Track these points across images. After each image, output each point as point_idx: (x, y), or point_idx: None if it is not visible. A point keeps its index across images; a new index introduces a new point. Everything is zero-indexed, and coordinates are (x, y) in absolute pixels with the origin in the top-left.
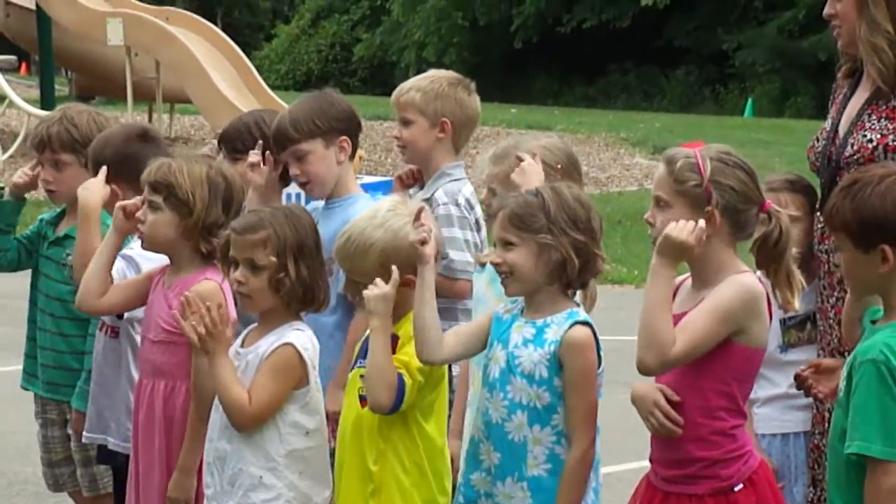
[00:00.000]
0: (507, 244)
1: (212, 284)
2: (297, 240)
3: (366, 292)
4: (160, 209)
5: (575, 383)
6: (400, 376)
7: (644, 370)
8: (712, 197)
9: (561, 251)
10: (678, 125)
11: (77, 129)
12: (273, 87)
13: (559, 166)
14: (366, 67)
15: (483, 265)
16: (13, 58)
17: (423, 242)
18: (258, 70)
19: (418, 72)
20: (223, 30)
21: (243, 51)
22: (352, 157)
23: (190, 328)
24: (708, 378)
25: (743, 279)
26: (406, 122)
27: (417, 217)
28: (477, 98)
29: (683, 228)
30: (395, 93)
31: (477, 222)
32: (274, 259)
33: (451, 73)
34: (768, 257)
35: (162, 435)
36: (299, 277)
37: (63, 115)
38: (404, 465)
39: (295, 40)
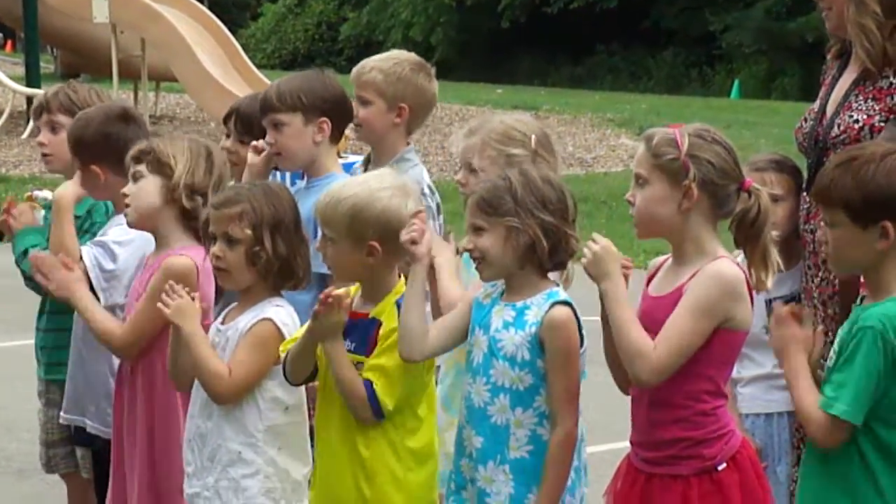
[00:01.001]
0: (477, 230)
1: (185, 260)
2: (274, 215)
3: (321, 320)
4: (143, 176)
5: (557, 364)
6: (368, 384)
7: (641, 385)
8: (689, 170)
9: (528, 233)
10: (664, 106)
11: (76, 94)
12: (259, 66)
13: (532, 137)
14: (352, 46)
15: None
16: None
17: (414, 242)
18: (244, 49)
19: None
20: (210, 8)
21: (230, 29)
22: (337, 140)
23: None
24: (692, 363)
25: (719, 267)
26: (364, 102)
27: (415, 217)
28: (435, 83)
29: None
30: (355, 69)
31: (438, 207)
32: (249, 232)
33: (412, 56)
34: (746, 235)
35: (143, 416)
36: (276, 252)
37: (66, 84)
38: (397, 451)
39: (281, 19)
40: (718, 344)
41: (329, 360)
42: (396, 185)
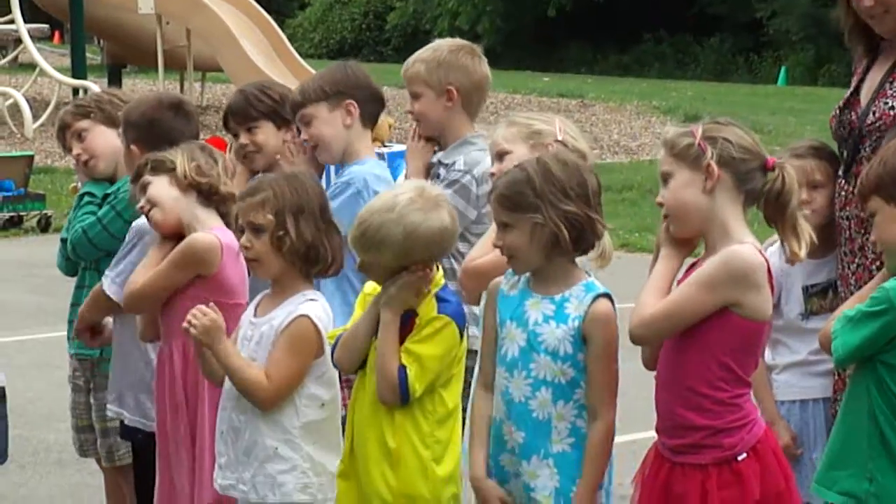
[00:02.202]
0: (504, 226)
1: (209, 236)
2: (297, 201)
3: (386, 287)
4: (150, 182)
5: (599, 357)
6: (402, 370)
7: (631, 337)
8: (706, 150)
9: (551, 226)
10: (710, 93)
11: (83, 99)
12: (306, 56)
13: (557, 120)
14: (399, 36)
15: None
16: (45, 26)
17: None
18: (292, 38)
19: None
20: None
21: (277, 19)
22: (370, 124)
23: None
24: (706, 348)
25: (737, 249)
26: (416, 96)
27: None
28: (484, 62)
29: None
30: (403, 68)
31: (479, 197)
32: (272, 218)
33: (455, 41)
34: (774, 209)
35: (183, 402)
36: (300, 236)
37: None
38: (424, 439)
39: (328, 9)
40: (730, 329)
41: (381, 332)
42: (429, 204)
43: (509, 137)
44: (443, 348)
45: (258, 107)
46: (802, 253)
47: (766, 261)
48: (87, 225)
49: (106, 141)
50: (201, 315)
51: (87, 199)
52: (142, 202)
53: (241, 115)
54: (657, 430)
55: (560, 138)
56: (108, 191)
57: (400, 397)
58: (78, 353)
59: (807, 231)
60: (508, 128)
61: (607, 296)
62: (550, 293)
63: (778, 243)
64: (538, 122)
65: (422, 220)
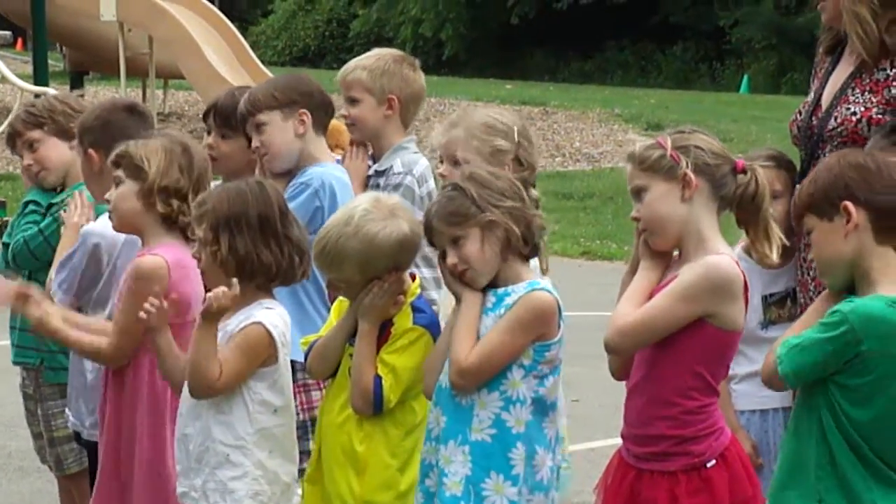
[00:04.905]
0: (455, 241)
1: (153, 259)
2: (232, 213)
3: (361, 298)
4: (122, 182)
5: (501, 324)
6: (378, 380)
7: (606, 346)
8: (680, 160)
9: (500, 224)
10: (673, 101)
11: (34, 107)
12: (269, 63)
13: (515, 128)
14: (363, 43)
15: None
16: (8, 33)
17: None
18: (255, 46)
19: (415, 48)
20: (220, 5)
21: (240, 27)
22: (322, 131)
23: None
24: (680, 357)
25: (716, 260)
26: (353, 101)
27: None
28: (422, 74)
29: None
30: (340, 72)
31: (430, 195)
32: (210, 233)
33: (394, 51)
34: (747, 212)
35: (132, 416)
36: (231, 249)
37: (24, 104)
38: (393, 448)
39: (292, 16)
40: (705, 339)
41: (358, 342)
42: (385, 214)
43: (468, 149)
44: (417, 359)
45: (241, 118)
46: (774, 256)
47: (743, 273)
48: (28, 236)
49: (58, 154)
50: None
51: (31, 207)
52: (109, 195)
53: (223, 117)
54: (623, 437)
55: (515, 155)
56: (54, 200)
57: (373, 406)
58: (19, 361)
59: (777, 234)
60: (469, 139)
61: (549, 292)
62: (496, 286)
63: (739, 249)
64: (499, 139)
65: (378, 230)
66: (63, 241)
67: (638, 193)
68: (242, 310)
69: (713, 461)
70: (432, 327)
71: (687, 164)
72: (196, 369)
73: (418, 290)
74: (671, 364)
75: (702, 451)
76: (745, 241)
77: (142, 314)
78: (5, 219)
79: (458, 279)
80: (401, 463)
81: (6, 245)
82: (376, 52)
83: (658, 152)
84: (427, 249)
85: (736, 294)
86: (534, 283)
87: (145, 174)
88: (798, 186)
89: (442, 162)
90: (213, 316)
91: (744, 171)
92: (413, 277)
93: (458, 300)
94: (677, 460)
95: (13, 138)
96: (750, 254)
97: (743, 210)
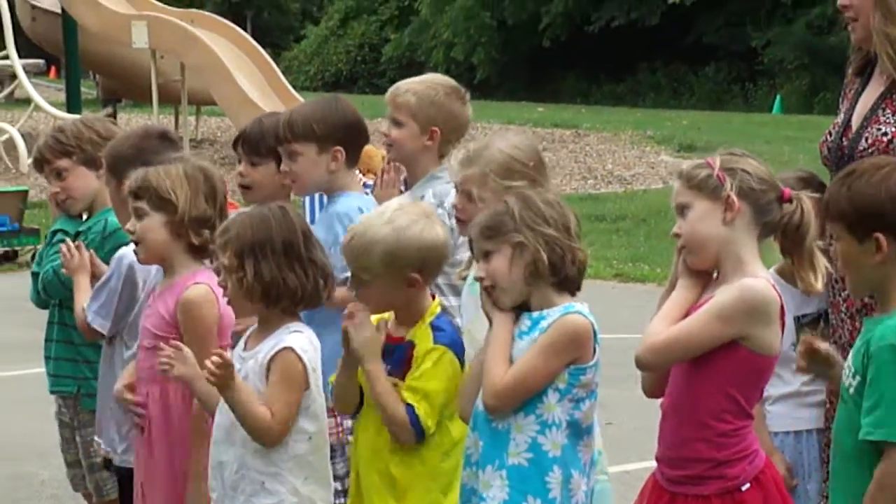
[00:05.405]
0: (486, 255)
1: (202, 288)
2: (256, 239)
3: (352, 336)
4: (146, 214)
5: (535, 347)
6: (411, 409)
7: (638, 363)
8: (726, 181)
9: (531, 248)
10: (705, 122)
11: (63, 133)
12: (302, 89)
13: (531, 164)
14: (395, 68)
15: (464, 278)
16: (41, 61)
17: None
18: (287, 71)
19: (447, 71)
20: (253, 32)
21: (273, 52)
22: (354, 163)
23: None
24: (713, 379)
25: (753, 283)
26: (397, 123)
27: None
28: (469, 108)
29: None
30: (390, 90)
31: (452, 229)
32: (235, 260)
33: (447, 81)
34: (791, 241)
35: (163, 441)
36: (257, 276)
37: (51, 129)
38: (432, 472)
39: (324, 41)
40: (738, 362)
41: (370, 384)
42: (419, 212)
43: (485, 188)
44: (445, 380)
45: (270, 144)
46: (819, 285)
47: (780, 296)
48: (57, 265)
49: (86, 184)
50: (212, 365)
51: (59, 236)
52: (130, 226)
53: (251, 145)
54: (657, 460)
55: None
56: (80, 228)
57: (415, 436)
58: (56, 391)
59: (822, 263)
60: (486, 179)
61: (584, 315)
62: (531, 311)
63: (772, 271)
64: (515, 180)
65: (410, 223)
66: (78, 286)
67: (681, 210)
68: (271, 335)
69: (748, 484)
70: (455, 346)
71: (731, 185)
72: (247, 424)
73: (438, 309)
74: (704, 385)
75: (736, 475)
76: (780, 264)
77: (163, 366)
78: (39, 247)
79: (489, 297)
80: (442, 486)
81: (35, 275)
82: (430, 79)
83: (705, 171)
84: (453, 277)
85: (772, 317)
86: (569, 307)
87: (173, 206)
88: (836, 181)
89: (458, 194)
90: (225, 382)
91: (790, 201)
92: (433, 297)
93: (490, 322)
94: (711, 484)
95: (41, 164)
96: (783, 276)
97: (787, 239)
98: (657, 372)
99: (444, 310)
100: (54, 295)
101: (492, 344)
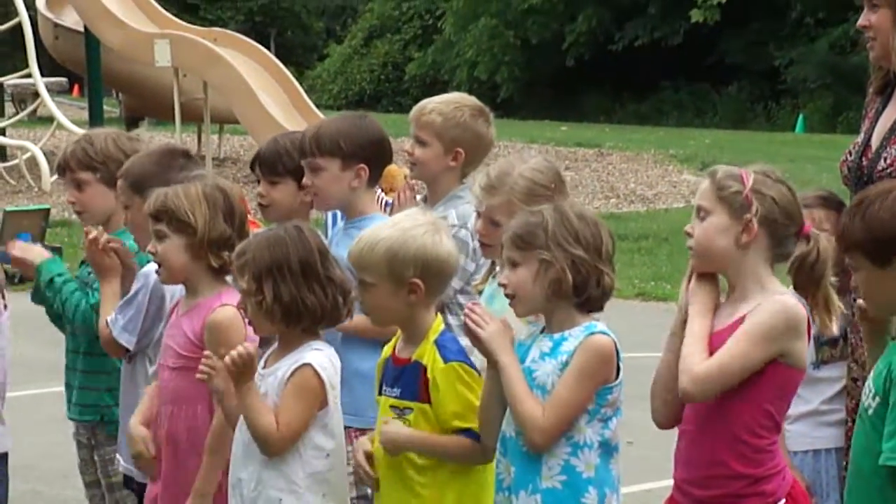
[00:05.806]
0: (512, 264)
1: (229, 310)
2: (274, 261)
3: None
4: (167, 236)
5: (566, 377)
6: (469, 432)
7: (685, 396)
8: (752, 205)
9: (556, 266)
10: (728, 141)
11: (93, 146)
12: (325, 107)
13: (553, 186)
14: (418, 86)
15: (481, 292)
16: (64, 80)
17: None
18: (311, 90)
19: (470, 90)
20: (276, 50)
21: (296, 71)
22: (375, 182)
23: (209, 369)
24: (753, 396)
25: (785, 300)
26: (421, 142)
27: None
28: (493, 129)
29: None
30: (415, 109)
31: (475, 251)
32: (253, 283)
33: (473, 101)
34: (806, 280)
35: (189, 462)
36: (276, 298)
37: (82, 136)
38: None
39: (347, 60)
40: (777, 378)
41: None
42: (427, 221)
43: (508, 216)
44: (474, 391)
45: (287, 163)
46: (834, 328)
47: (806, 310)
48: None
49: (104, 203)
50: (237, 356)
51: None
52: (151, 248)
53: (267, 165)
54: (679, 482)
55: None
56: None
57: (485, 456)
58: (76, 419)
59: (837, 305)
60: (510, 207)
61: (607, 335)
62: (552, 332)
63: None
64: (538, 204)
65: (415, 226)
66: (105, 295)
67: (699, 212)
68: (291, 354)
69: (783, 500)
70: (461, 355)
71: (756, 210)
72: (253, 430)
73: (442, 326)
74: (743, 403)
75: (773, 490)
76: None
77: (201, 375)
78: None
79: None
80: (472, 491)
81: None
82: (456, 99)
83: (736, 187)
84: (462, 316)
85: (803, 332)
86: (591, 327)
87: (192, 229)
88: (847, 212)
89: (480, 219)
90: (242, 377)
91: (807, 238)
92: (436, 314)
93: (491, 364)
94: (749, 501)
95: (63, 170)
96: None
97: (802, 277)
98: (705, 401)
99: (449, 327)
100: (80, 334)
101: (513, 385)
